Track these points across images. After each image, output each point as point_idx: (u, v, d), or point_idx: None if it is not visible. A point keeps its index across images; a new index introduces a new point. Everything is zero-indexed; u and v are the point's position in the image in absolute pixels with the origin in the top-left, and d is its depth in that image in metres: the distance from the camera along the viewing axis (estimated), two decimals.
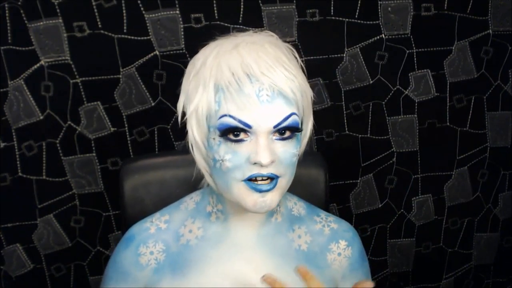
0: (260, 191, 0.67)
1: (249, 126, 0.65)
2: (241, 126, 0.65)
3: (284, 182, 0.69)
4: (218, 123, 0.66)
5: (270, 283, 0.66)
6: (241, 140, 0.66)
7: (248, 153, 0.66)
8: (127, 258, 0.77)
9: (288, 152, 0.68)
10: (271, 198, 0.68)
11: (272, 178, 0.67)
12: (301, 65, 0.72)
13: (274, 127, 0.66)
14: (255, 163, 0.66)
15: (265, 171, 0.66)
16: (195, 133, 0.71)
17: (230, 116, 0.66)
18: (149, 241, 0.77)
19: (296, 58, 0.72)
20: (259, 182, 0.67)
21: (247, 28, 1.25)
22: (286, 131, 0.67)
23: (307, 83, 0.72)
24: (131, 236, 0.78)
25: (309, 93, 0.72)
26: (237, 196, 0.68)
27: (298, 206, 0.82)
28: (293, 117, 0.67)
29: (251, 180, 0.67)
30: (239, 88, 0.65)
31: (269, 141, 0.66)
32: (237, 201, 0.69)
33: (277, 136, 0.67)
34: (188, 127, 0.72)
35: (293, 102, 0.67)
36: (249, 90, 0.65)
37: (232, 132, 0.66)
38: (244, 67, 0.65)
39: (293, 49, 0.72)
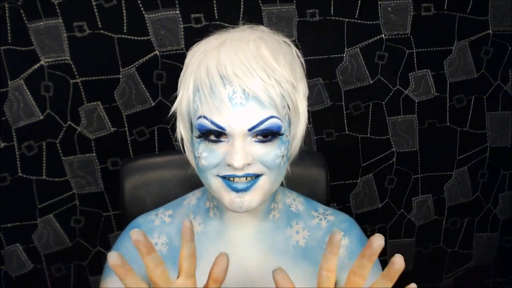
0: (236, 190, 0.66)
1: (223, 129, 0.64)
2: (215, 128, 0.65)
3: (267, 182, 0.68)
4: (197, 123, 0.66)
5: (280, 280, 0.58)
6: (219, 141, 0.66)
7: (224, 154, 0.65)
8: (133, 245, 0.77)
9: (270, 153, 0.66)
10: (250, 198, 0.67)
11: (251, 177, 0.66)
12: (300, 59, 0.70)
13: (249, 130, 0.64)
14: (229, 165, 0.65)
15: (240, 173, 0.65)
16: (182, 129, 0.72)
17: (205, 117, 0.65)
18: (154, 232, 0.78)
19: (296, 52, 0.70)
20: (236, 180, 0.66)
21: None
22: (266, 135, 0.66)
23: (303, 81, 0.70)
24: (137, 225, 0.79)
25: (301, 93, 0.69)
26: (216, 192, 0.68)
27: (297, 202, 0.82)
28: (272, 120, 0.65)
29: (228, 179, 0.66)
30: (212, 90, 0.64)
31: (245, 144, 0.65)
32: (217, 197, 0.69)
33: (257, 138, 0.66)
34: (177, 124, 0.73)
35: (270, 105, 0.65)
36: (221, 93, 0.63)
37: (213, 134, 0.66)
38: (219, 67, 0.64)
39: (290, 43, 0.70)
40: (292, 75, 0.67)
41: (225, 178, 0.67)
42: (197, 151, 0.68)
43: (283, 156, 0.68)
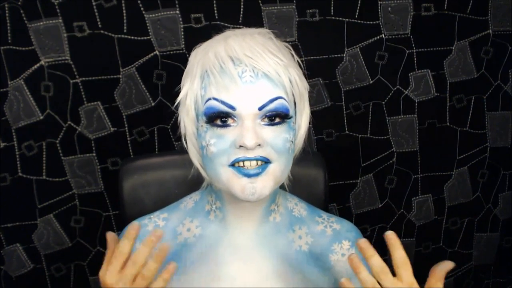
0: (248, 175, 0.66)
1: (233, 108, 0.65)
2: (225, 108, 0.65)
3: (277, 169, 0.67)
4: (205, 107, 0.67)
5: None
6: (227, 125, 0.66)
7: (234, 137, 0.65)
8: None
9: (279, 137, 0.67)
10: (262, 184, 0.66)
11: (261, 162, 0.66)
12: (298, 62, 0.72)
13: (259, 109, 0.65)
14: (240, 147, 0.65)
15: (251, 154, 0.65)
16: (186, 123, 0.72)
17: (214, 98, 0.65)
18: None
19: (292, 55, 0.72)
20: (246, 165, 0.66)
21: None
22: (275, 117, 0.66)
23: (302, 76, 0.71)
24: None
25: (303, 84, 0.71)
26: (226, 182, 0.67)
27: (299, 207, 0.81)
28: (280, 101, 0.66)
29: (239, 166, 0.66)
30: (222, 69, 0.65)
31: (255, 125, 0.65)
32: (226, 188, 0.68)
33: (265, 121, 0.66)
34: (180, 118, 0.73)
35: (280, 85, 0.66)
36: (231, 71, 0.64)
37: (219, 118, 0.66)
38: (228, 50, 0.65)
39: (289, 47, 0.72)
40: (293, 66, 0.70)
41: (234, 166, 0.66)
42: (205, 140, 0.68)
43: (292, 141, 0.69)
